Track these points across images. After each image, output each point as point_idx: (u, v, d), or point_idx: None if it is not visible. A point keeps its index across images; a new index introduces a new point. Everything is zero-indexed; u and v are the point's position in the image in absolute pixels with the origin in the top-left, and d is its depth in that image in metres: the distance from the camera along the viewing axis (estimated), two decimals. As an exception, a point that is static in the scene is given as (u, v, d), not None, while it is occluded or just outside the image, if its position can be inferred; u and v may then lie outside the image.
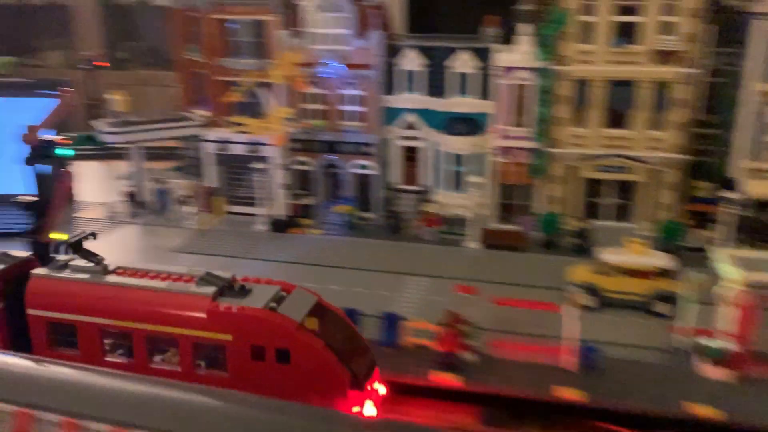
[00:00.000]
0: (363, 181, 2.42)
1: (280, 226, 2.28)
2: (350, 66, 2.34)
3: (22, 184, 2.27)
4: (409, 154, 2.56)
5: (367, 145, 2.43)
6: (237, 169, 2.29)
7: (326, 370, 1.00)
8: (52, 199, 1.36)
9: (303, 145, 2.37)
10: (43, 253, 1.32)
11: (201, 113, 2.34)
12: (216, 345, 1.03)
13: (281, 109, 2.09)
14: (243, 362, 1.02)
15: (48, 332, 1.12)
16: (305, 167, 2.31)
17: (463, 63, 2.82)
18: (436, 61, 2.77)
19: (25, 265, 1.21)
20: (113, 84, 2.54)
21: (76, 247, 1.15)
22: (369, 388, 1.09)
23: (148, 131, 2.31)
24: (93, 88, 2.91)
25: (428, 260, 2.40)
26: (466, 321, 2.10)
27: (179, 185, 2.48)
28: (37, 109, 2.43)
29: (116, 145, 2.29)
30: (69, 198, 2.08)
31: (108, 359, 1.10)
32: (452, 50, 2.81)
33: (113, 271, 1.14)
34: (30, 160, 1.40)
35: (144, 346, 1.05)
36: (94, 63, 2.79)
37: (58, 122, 1.48)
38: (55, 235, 1.34)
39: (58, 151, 1.41)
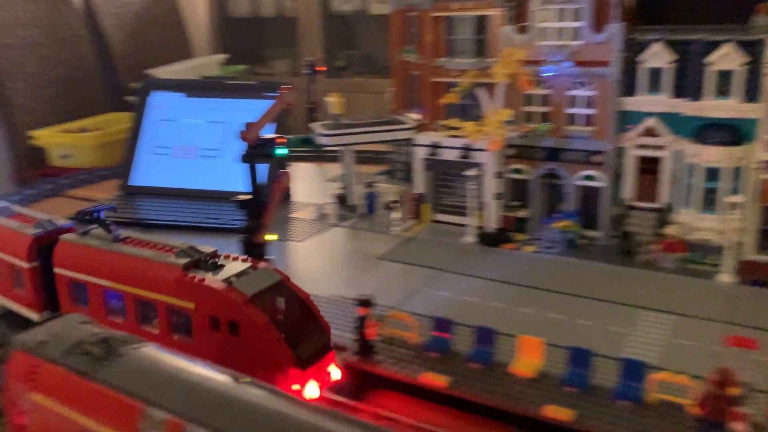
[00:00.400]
0: (588, 194, 2.10)
1: (489, 239, 2.06)
2: (581, 63, 2.05)
3: (243, 182, 2.35)
4: (646, 166, 2.17)
5: (596, 153, 2.11)
6: (446, 176, 2.13)
7: (269, 346, 0.97)
8: (267, 199, 1.35)
9: (520, 151, 2.11)
10: (259, 255, 1.30)
11: (413, 116, 2.24)
12: (183, 312, 1.08)
13: (501, 111, 1.88)
14: (204, 331, 1.05)
15: (69, 289, 1.27)
16: (521, 176, 2.06)
17: (724, 59, 2.34)
18: (689, 56, 2.35)
19: (62, 232, 1.37)
20: (329, 90, 2.60)
21: (96, 218, 1.28)
22: (316, 369, 1.04)
23: (361, 134, 2.26)
24: (312, 92, 3.01)
25: (669, 293, 1.99)
26: (740, 382, 1.56)
27: (387, 190, 2.40)
28: (258, 109, 2.51)
29: (330, 148, 2.29)
30: (285, 198, 2.12)
31: (110, 318, 1.20)
32: (710, 44, 2.35)
33: (122, 240, 1.23)
34: (246, 158, 1.41)
35: (133, 308, 1.14)
36: (316, 68, 2.88)
37: (276, 119, 1.47)
38: (269, 237, 1.33)
39: (276, 150, 1.39)
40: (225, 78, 2.39)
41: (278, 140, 1.35)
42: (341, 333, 1.47)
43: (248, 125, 1.36)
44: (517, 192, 2.08)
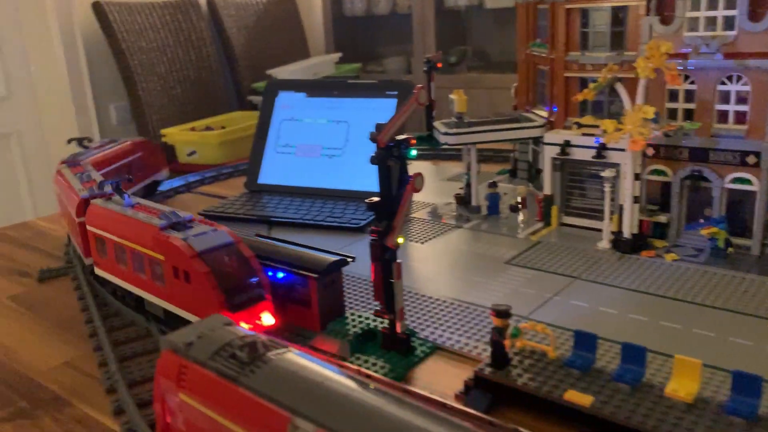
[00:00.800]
0: (739, 198, 1.88)
1: (625, 245, 1.89)
2: (734, 55, 1.84)
3: (366, 181, 2.33)
4: (810, 168, 1.92)
5: (749, 153, 1.88)
6: (577, 176, 1.98)
7: (207, 291, 1.16)
8: (398, 201, 1.32)
9: (661, 151, 1.93)
10: (390, 258, 1.26)
11: (541, 114, 2.10)
12: (158, 263, 1.27)
13: (643, 107, 1.71)
14: (170, 278, 1.25)
15: (95, 242, 1.49)
16: (662, 178, 1.88)
17: None
18: None
19: (105, 196, 1.67)
20: (442, 87, 2.52)
21: (116, 188, 1.50)
22: (248, 314, 1.17)
23: (486, 132, 2.15)
24: (431, 89, 2.95)
25: (840, 311, 1.75)
26: None
27: (511, 191, 2.26)
28: (379, 109, 2.51)
29: (450, 146, 2.20)
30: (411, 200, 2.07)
31: (118, 266, 1.43)
32: None
33: (133, 206, 1.43)
34: (377, 160, 1.38)
35: (131, 259, 1.36)
36: (438, 65, 2.81)
37: (406, 120, 1.43)
38: (399, 240, 1.30)
39: (409, 152, 1.35)
40: (348, 77, 2.38)
41: (412, 141, 1.31)
42: (469, 342, 1.41)
43: (380, 126, 1.32)
44: (656, 195, 1.91)
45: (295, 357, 0.86)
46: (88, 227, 1.54)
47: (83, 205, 1.58)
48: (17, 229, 2.05)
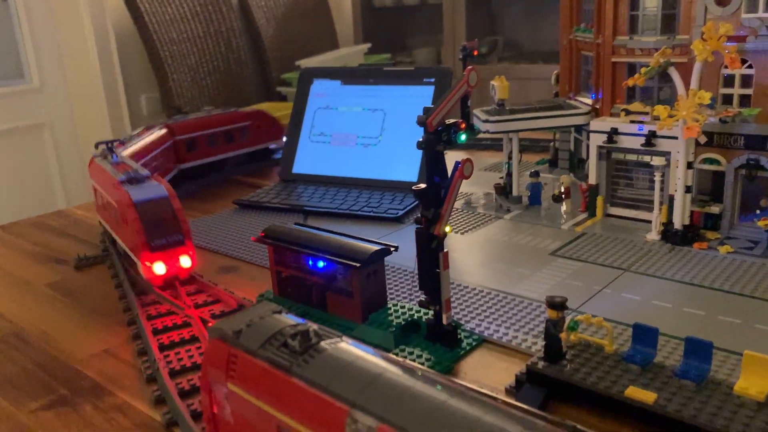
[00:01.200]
0: (798, 188, 1.79)
1: (676, 237, 1.80)
2: (795, 37, 1.75)
3: (407, 171, 2.28)
4: None
5: (811, 141, 1.78)
6: (624, 165, 1.89)
7: (134, 234, 1.37)
8: (446, 188, 1.26)
9: (715, 138, 1.82)
10: (438, 247, 1.21)
11: (584, 101, 2.02)
12: (116, 209, 1.47)
13: (699, 93, 1.61)
14: (119, 222, 1.46)
15: (94, 192, 1.73)
16: (714, 167, 1.78)
17: None
18: None
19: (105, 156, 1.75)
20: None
21: (109, 148, 1.70)
22: (166, 256, 1.40)
23: (529, 120, 2.05)
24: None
25: None
26: None
27: (552, 181, 2.17)
28: (416, 96, 2.44)
29: (490, 134, 2.11)
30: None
31: (104, 211, 1.66)
32: None
33: (118, 164, 1.62)
34: (424, 145, 1.31)
35: (107, 206, 1.57)
36: (474, 52, 2.73)
37: (454, 104, 1.37)
38: (446, 229, 1.24)
39: (459, 137, 1.28)
40: (384, 64, 2.33)
41: (462, 126, 1.25)
42: (517, 334, 1.35)
43: (428, 109, 1.26)
44: (707, 185, 1.82)
45: (350, 347, 0.81)
46: (91, 179, 1.78)
47: (91, 163, 1.78)
48: (53, 217, 2.05)
